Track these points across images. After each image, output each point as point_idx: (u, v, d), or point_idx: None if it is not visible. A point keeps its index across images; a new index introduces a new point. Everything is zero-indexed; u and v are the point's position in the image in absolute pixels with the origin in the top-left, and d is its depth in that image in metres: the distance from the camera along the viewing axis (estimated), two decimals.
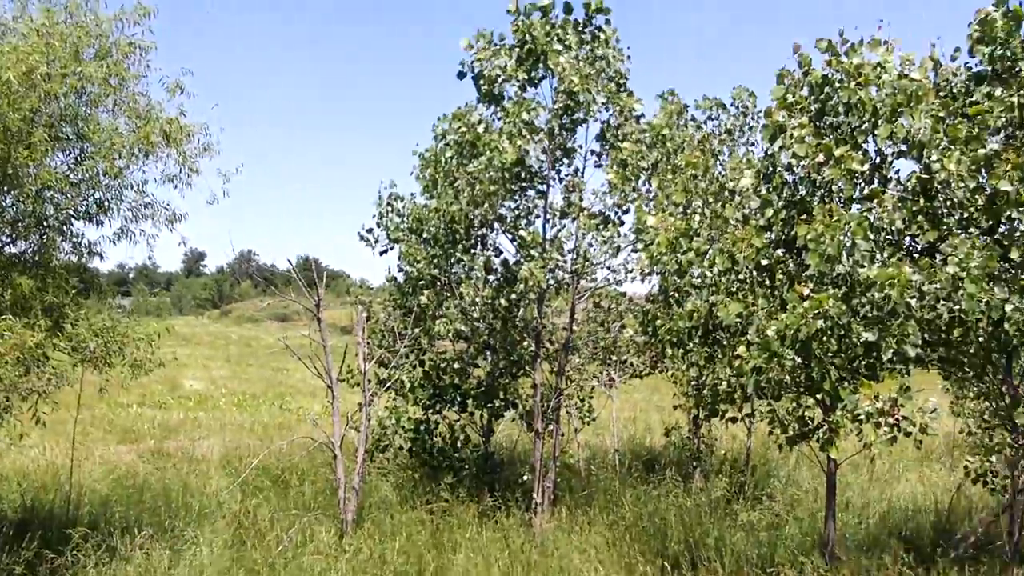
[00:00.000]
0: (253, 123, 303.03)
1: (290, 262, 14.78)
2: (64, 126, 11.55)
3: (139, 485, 16.32)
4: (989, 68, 10.52)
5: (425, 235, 16.25)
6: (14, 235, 11.80)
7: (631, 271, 15.15)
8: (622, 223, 14.49)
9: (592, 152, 15.05)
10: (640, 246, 11.34)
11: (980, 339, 10.16)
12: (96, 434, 23.40)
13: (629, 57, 14.69)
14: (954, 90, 10.55)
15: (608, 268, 15.32)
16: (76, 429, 15.81)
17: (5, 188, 11.30)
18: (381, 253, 17.68)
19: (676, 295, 11.28)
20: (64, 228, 12.11)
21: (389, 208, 17.47)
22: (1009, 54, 10.34)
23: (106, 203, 12.15)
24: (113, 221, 12.35)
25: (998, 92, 10.25)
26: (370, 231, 17.72)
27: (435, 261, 15.91)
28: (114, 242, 12.50)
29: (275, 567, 11.77)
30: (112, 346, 11.88)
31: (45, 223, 11.81)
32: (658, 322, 11.42)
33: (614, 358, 17.12)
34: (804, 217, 9.92)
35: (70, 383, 12.27)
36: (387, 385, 16.07)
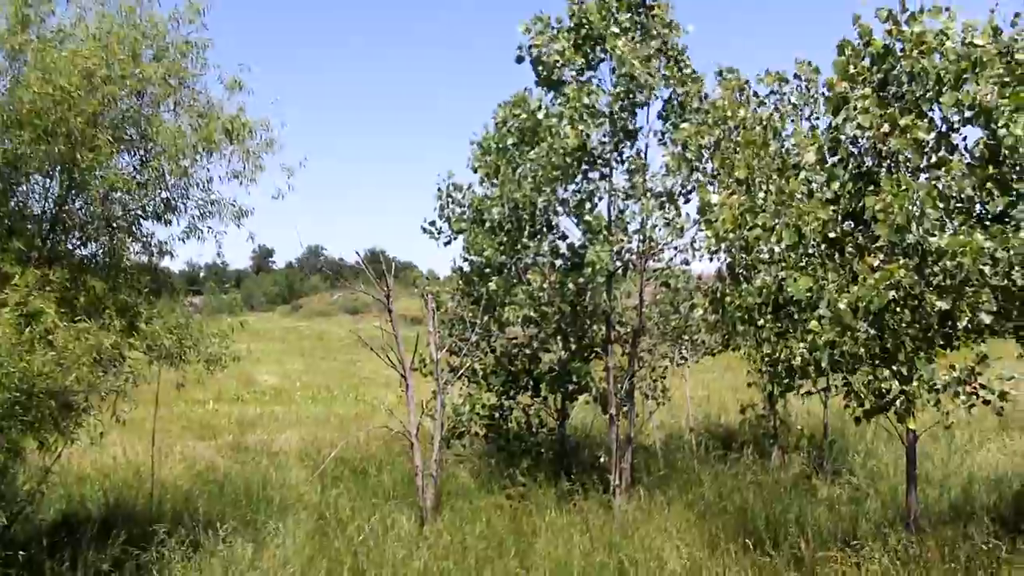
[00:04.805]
0: (315, 118, 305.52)
1: (358, 254, 14.86)
2: (127, 128, 11.65)
3: (220, 480, 16.57)
4: None
5: (488, 223, 16.26)
6: (84, 237, 11.98)
7: (698, 250, 15.06)
8: (688, 201, 14.42)
9: (654, 132, 14.99)
10: (704, 225, 11.28)
11: None
12: (175, 431, 23.69)
13: (687, 31, 14.59)
14: (1016, 56, 10.35)
15: (675, 248, 15.26)
16: (155, 427, 16.06)
17: (73, 191, 11.51)
18: (445, 244, 17.71)
19: (744, 272, 11.23)
20: (133, 229, 12.28)
21: (450, 200, 17.51)
22: None
23: (173, 202, 12.26)
24: (181, 220, 12.46)
25: None
26: (432, 224, 17.77)
27: (501, 248, 15.93)
28: (183, 240, 12.63)
29: (358, 556, 11.89)
30: (187, 343, 11.97)
31: (114, 224, 11.95)
32: (727, 299, 11.38)
33: (685, 338, 17.01)
34: (872, 188, 9.82)
35: (147, 381, 12.39)
36: (459, 373, 16.18)
